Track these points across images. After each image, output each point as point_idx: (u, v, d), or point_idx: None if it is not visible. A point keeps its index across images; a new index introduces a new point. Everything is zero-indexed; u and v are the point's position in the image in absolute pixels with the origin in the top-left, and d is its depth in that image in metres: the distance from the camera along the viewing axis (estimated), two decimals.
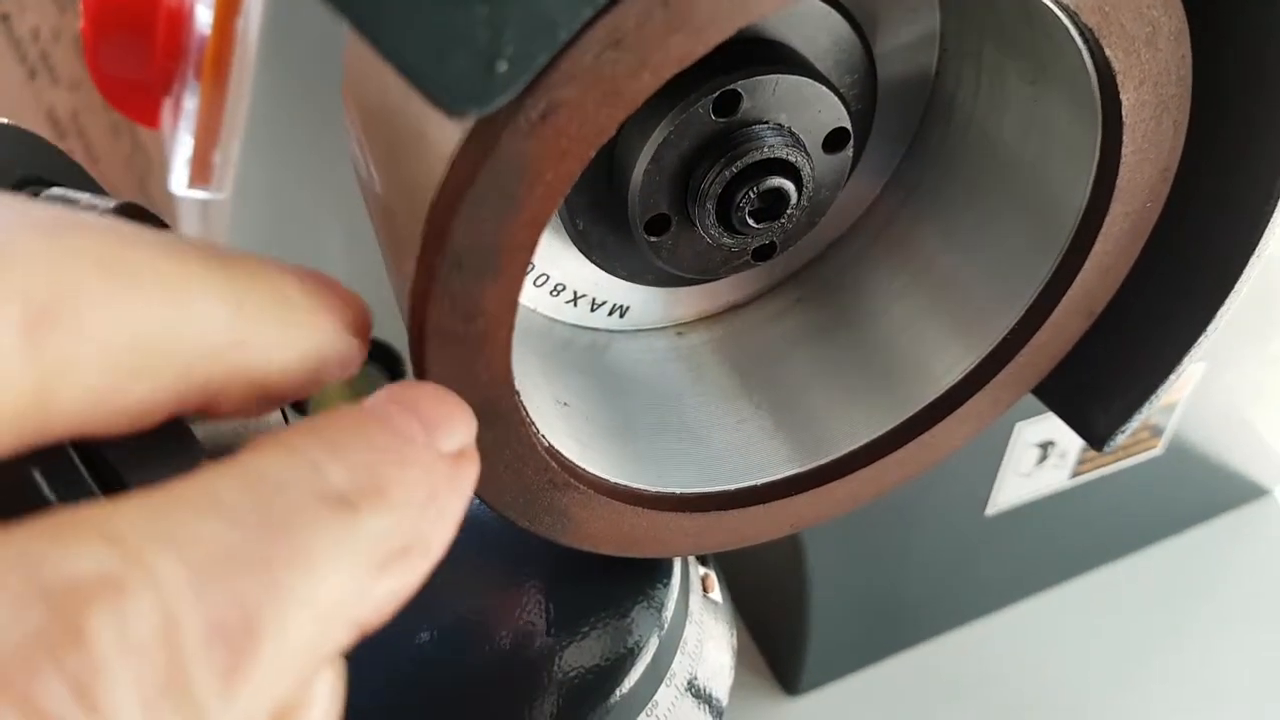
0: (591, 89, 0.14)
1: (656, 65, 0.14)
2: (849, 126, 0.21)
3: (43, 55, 0.84)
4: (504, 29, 0.12)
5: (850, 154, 0.22)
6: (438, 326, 0.16)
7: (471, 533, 0.25)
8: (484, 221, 0.15)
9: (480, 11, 0.12)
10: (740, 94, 0.20)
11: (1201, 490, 0.51)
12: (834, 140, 0.21)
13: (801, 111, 0.21)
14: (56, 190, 0.18)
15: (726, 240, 0.21)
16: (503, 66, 0.12)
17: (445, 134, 0.15)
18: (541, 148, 0.14)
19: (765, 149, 0.20)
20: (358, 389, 0.56)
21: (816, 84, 0.20)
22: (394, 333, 0.54)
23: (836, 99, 0.21)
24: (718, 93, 0.20)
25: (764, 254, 0.23)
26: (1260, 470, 0.53)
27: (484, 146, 0.14)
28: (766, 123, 0.20)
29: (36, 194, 0.17)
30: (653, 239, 0.21)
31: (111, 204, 0.17)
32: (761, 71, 0.20)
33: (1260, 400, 0.48)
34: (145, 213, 0.19)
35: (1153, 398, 0.24)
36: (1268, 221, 0.22)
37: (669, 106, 0.20)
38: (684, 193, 0.21)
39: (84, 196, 0.17)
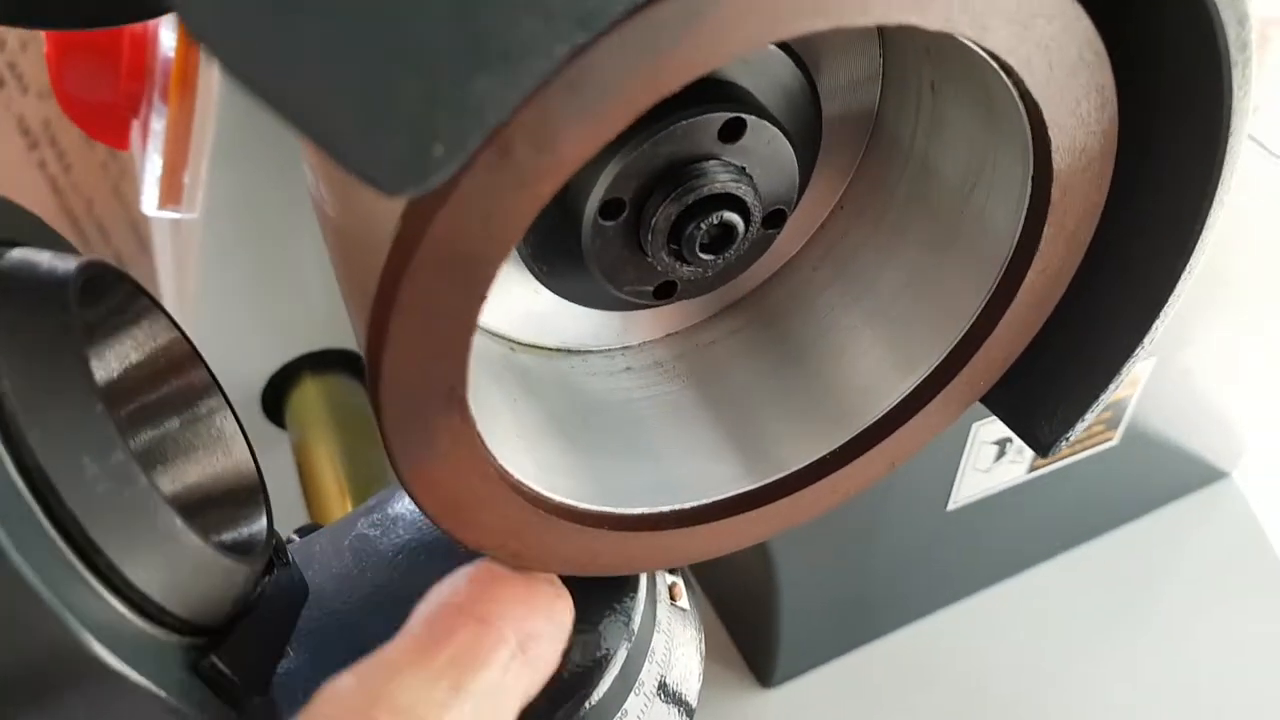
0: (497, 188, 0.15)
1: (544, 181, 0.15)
2: (788, 210, 0.22)
3: (10, 65, 0.83)
4: (435, 113, 0.13)
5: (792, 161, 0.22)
6: (394, 377, 0.17)
7: (443, 551, 0.26)
8: (430, 291, 0.16)
9: (413, 92, 0.13)
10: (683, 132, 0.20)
11: (1160, 476, 0.52)
12: (772, 219, 0.22)
13: (755, 154, 0.21)
14: (17, 252, 0.18)
15: (683, 269, 0.22)
16: (439, 150, 0.13)
17: (387, 204, 0.16)
18: (475, 225, 0.15)
19: (714, 184, 0.21)
20: (332, 400, 0.57)
21: (767, 124, 0.21)
22: None
23: (759, 118, 0.21)
24: (660, 134, 0.20)
25: (664, 292, 0.23)
26: (1218, 454, 0.54)
27: (420, 224, 0.15)
28: (715, 158, 0.21)
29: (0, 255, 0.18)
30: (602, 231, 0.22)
31: (73, 263, 0.18)
32: (709, 110, 0.20)
33: (1217, 383, 0.49)
34: (108, 268, 0.19)
35: (1094, 405, 0.25)
36: (1197, 240, 0.23)
37: (617, 147, 0.20)
38: (636, 225, 0.22)
39: (45, 256, 0.18)
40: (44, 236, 0.20)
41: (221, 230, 0.44)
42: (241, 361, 0.50)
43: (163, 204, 0.44)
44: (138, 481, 0.16)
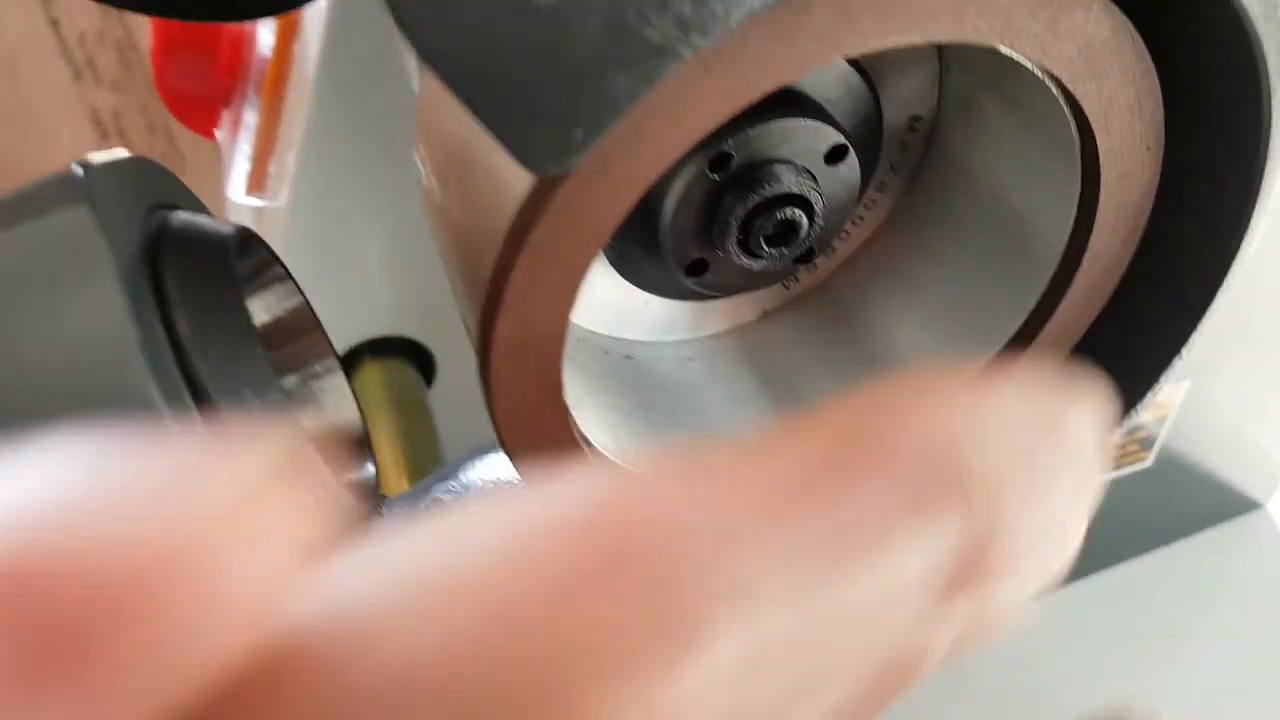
0: None
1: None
2: (845, 141, 0.24)
3: (88, 58, 0.87)
4: (580, 102, 0.15)
5: (855, 168, 0.24)
6: (503, 342, 0.19)
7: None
8: (547, 255, 0.18)
9: (564, 88, 0.15)
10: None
11: (1192, 503, 0.53)
12: (834, 155, 0.24)
13: (798, 145, 0.23)
14: (182, 214, 0.21)
15: (752, 264, 0.24)
16: (579, 135, 0.15)
17: (518, 181, 0.18)
18: (593, 199, 0.17)
19: (775, 186, 0.23)
20: (391, 383, 0.60)
21: (811, 120, 0.23)
22: (428, 332, 0.57)
23: (826, 125, 0.23)
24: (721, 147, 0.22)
25: (806, 259, 0.25)
26: (1252, 483, 0.54)
27: (549, 188, 0.17)
28: (777, 160, 0.23)
29: (166, 219, 0.20)
30: (691, 278, 0.24)
31: (229, 227, 0.20)
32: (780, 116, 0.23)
33: (1252, 413, 0.49)
34: (254, 235, 0.22)
35: (1126, 420, 0.26)
36: (1234, 256, 0.24)
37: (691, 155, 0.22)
38: (711, 224, 0.24)
39: (205, 219, 0.20)
40: (192, 202, 0.22)
41: (302, 219, 0.47)
42: None
43: (250, 190, 0.46)
44: (290, 415, 0.19)
